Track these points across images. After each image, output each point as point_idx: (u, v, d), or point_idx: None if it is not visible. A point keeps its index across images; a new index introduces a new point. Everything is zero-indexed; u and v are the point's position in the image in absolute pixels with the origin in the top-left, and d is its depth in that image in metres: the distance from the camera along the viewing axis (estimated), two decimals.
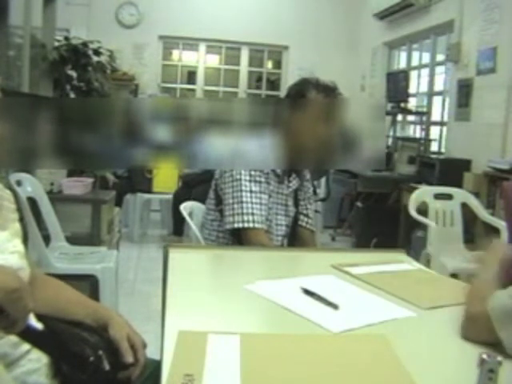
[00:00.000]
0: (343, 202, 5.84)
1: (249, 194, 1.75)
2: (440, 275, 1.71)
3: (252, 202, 1.74)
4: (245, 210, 1.73)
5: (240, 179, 1.76)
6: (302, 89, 1.82)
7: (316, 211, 4.69)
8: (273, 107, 1.65)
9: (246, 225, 1.73)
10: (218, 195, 1.85)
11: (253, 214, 1.73)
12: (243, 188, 1.75)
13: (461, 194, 3.49)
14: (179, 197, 4.66)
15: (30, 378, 1.00)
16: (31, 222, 2.63)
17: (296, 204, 1.97)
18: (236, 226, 1.74)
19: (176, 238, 4.71)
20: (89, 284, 2.74)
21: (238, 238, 1.78)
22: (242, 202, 1.74)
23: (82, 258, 2.94)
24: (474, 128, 4.30)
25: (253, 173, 1.77)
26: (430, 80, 5.50)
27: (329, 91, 1.80)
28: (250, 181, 1.76)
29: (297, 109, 1.78)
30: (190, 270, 1.43)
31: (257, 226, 1.73)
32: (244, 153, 1.37)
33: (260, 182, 1.78)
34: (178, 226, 4.70)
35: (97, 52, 4.40)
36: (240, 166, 1.72)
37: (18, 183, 2.77)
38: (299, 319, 1.08)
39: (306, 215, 2.01)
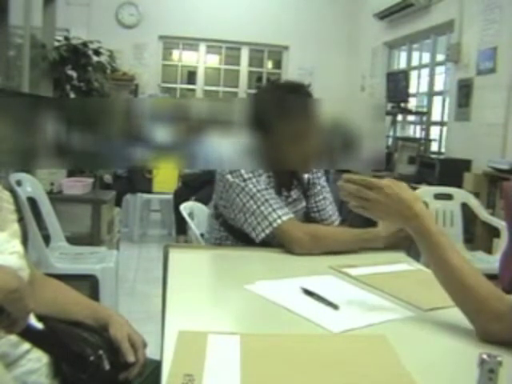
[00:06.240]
0: (343, 202, 5.82)
1: (259, 195, 1.65)
2: None
3: (266, 200, 1.65)
4: (265, 212, 1.63)
5: (244, 187, 1.66)
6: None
7: None
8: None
9: (274, 224, 1.62)
10: (224, 216, 1.75)
11: (274, 210, 1.63)
12: (251, 193, 1.65)
13: (461, 194, 3.48)
14: (180, 196, 4.67)
15: (30, 377, 1.00)
16: (31, 222, 2.63)
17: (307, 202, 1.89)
18: (267, 231, 1.62)
19: (183, 237, 4.71)
20: (89, 284, 2.74)
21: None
22: (258, 207, 1.64)
23: (82, 258, 2.95)
24: (474, 128, 4.29)
25: (251, 174, 1.68)
26: (430, 80, 5.50)
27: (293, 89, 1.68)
28: (251, 178, 1.67)
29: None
30: (190, 270, 1.43)
31: (284, 218, 1.63)
32: (243, 152, 1.36)
33: (260, 175, 1.69)
34: (182, 225, 4.70)
35: (97, 52, 4.40)
36: (239, 166, 1.68)
37: (18, 183, 2.77)
38: (299, 319, 1.08)
39: (318, 211, 1.92)
